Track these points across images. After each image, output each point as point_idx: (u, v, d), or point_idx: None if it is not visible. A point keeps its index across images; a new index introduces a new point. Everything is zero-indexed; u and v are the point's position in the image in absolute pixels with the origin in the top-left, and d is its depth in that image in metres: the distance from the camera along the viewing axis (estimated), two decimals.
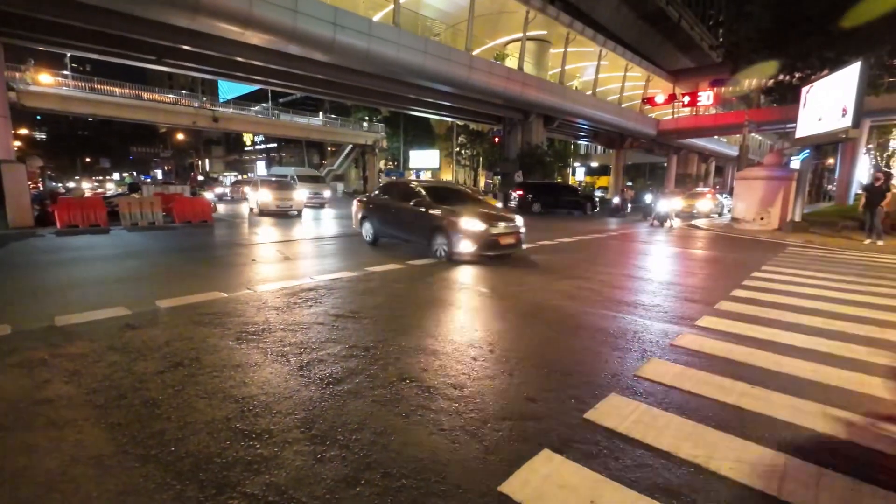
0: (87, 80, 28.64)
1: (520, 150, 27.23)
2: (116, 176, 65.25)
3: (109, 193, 22.34)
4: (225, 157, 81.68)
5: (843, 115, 11.58)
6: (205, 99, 37.73)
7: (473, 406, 2.67)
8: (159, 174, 67.31)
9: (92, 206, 12.19)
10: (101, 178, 62.12)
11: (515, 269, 7.15)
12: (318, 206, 22.07)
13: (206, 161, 71.34)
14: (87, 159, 66.80)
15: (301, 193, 18.24)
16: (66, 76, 28.06)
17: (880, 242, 10.46)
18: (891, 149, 33.43)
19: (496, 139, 30.88)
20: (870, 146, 33.27)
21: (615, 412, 2.61)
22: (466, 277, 6.38)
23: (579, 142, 50.56)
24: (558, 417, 2.56)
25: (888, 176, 11.61)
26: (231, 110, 37.61)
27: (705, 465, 2.11)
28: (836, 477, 2.05)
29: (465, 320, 4.43)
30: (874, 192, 10.79)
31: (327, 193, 23.35)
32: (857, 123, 11.28)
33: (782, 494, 1.92)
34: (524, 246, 8.09)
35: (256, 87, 32.08)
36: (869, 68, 11.64)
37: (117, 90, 29.71)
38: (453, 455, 2.18)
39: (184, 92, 38.18)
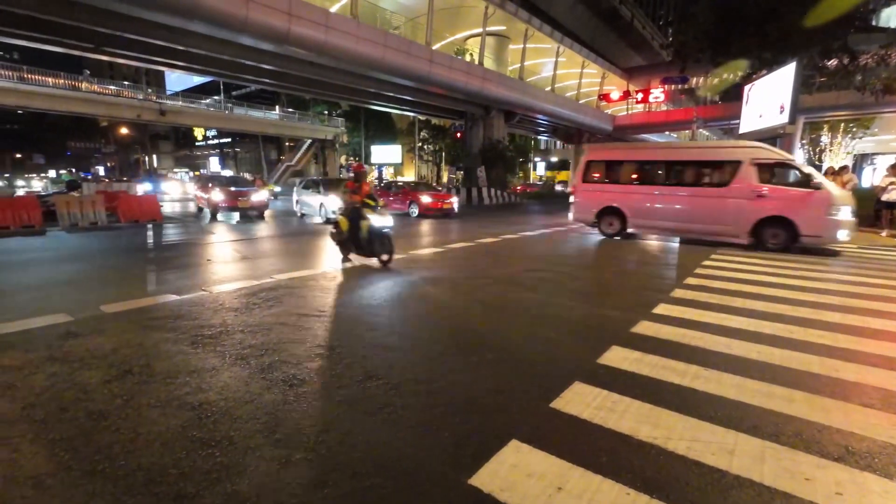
0: (14, 68, 26.40)
1: (481, 146, 27.46)
2: (53, 173, 60.54)
3: (43, 193, 20.68)
4: (174, 153, 77.63)
5: (781, 112, 12.42)
6: (150, 91, 35.66)
7: (441, 401, 2.67)
8: (101, 170, 63.16)
9: (24, 205, 11.28)
10: (33, 175, 57.50)
11: (477, 257, 7.21)
12: None
13: (154, 157, 67.45)
14: (18, 155, 61.75)
15: None
16: None
17: None
18: (822, 144, 36.09)
19: (458, 134, 30.95)
20: (804, 141, 35.79)
21: (579, 399, 2.68)
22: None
23: (539, 137, 51.58)
24: (526, 408, 2.60)
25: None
26: (180, 103, 35.71)
27: (663, 446, 2.20)
28: (779, 449, 2.19)
29: (428, 313, 4.42)
30: None
31: None
32: (793, 119, 12.15)
33: (732, 468, 2.04)
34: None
35: (207, 78, 30.63)
36: (803, 68, 12.50)
37: (50, 80, 27.54)
38: (423, 451, 2.17)
39: (126, 83, 35.78)
